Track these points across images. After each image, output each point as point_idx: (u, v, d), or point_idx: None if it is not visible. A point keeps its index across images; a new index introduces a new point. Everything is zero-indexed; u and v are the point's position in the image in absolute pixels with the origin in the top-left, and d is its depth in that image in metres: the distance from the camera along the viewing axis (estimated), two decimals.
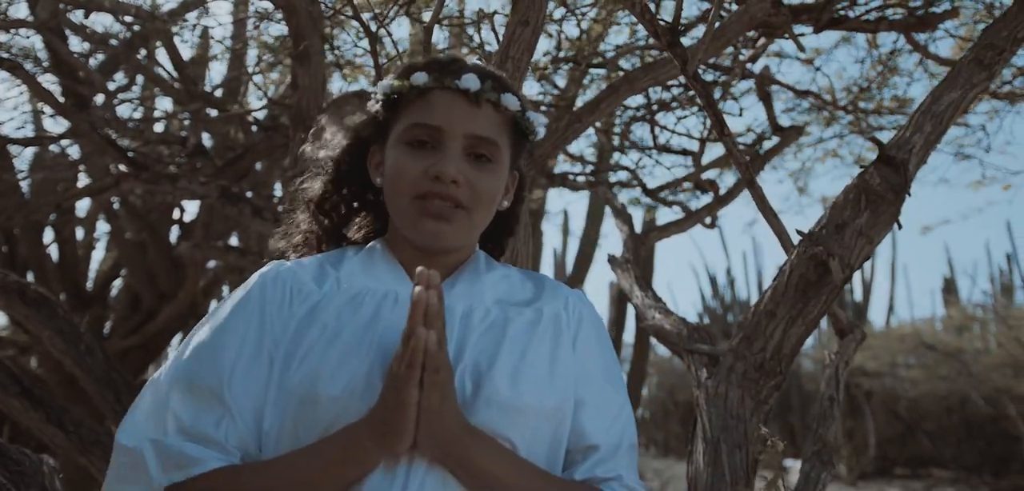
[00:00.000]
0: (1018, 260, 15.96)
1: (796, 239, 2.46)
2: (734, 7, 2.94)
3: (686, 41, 2.80)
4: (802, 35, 3.25)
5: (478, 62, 1.40)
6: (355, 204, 1.48)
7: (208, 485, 1.14)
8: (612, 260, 3.73)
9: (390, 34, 2.78)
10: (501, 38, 2.38)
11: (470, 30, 3.55)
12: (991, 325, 13.52)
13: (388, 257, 1.36)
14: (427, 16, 3.64)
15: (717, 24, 2.52)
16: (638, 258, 3.88)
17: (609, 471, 1.27)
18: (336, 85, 4.90)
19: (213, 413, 1.18)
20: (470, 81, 1.30)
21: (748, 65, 3.94)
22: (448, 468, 1.16)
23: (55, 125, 7.51)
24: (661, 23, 2.18)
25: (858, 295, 17.11)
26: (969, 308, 14.80)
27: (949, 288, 17.04)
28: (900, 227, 2.48)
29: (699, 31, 3.57)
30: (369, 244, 1.41)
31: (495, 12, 3.07)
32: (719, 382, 2.51)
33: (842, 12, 3.24)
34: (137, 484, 1.15)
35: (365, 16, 2.74)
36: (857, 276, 17.09)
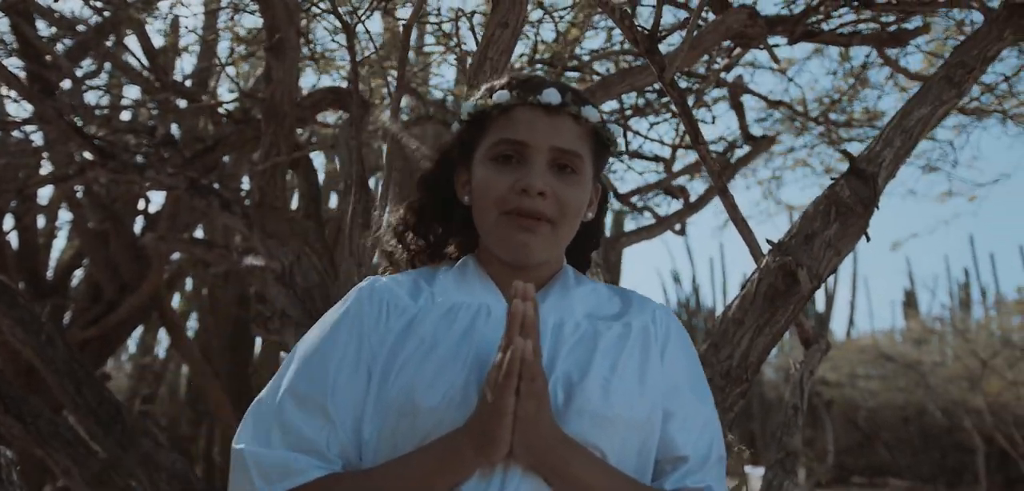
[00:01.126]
0: (977, 275, 16.28)
1: (766, 248, 2.48)
2: (711, 17, 2.96)
3: (662, 48, 2.82)
4: (776, 46, 3.28)
5: (557, 79, 1.43)
6: (444, 224, 1.51)
7: None
8: None
9: (367, 29, 2.76)
10: (480, 39, 2.38)
11: (447, 28, 3.54)
12: (949, 338, 13.77)
13: (480, 272, 1.40)
14: (402, 12, 3.63)
15: (695, 33, 2.53)
16: (608, 263, 3.89)
17: (698, 482, 1.30)
18: (309, 79, 4.87)
19: (316, 423, 1.24)
20: (551, 95, 1.33)
21: (722, 74, 3.97)
22: (542, 476, 1.19)
23: (19, 110, 7.37)
24: (640, 30, 2.19)
25: (820, 306, 17.33)
26: (928, 321, 15.07)
27: (909, 301, 17.35)
28: (868, 240, 2.51)
29: (675, 39, 3.59)
30: (460, 260, 1.44)
31: (474, 12, 3.06)
32: None
33: (816, 25, 3.28)
34: None
35: (342, 10, 2.72)
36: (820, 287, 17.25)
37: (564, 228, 1.35)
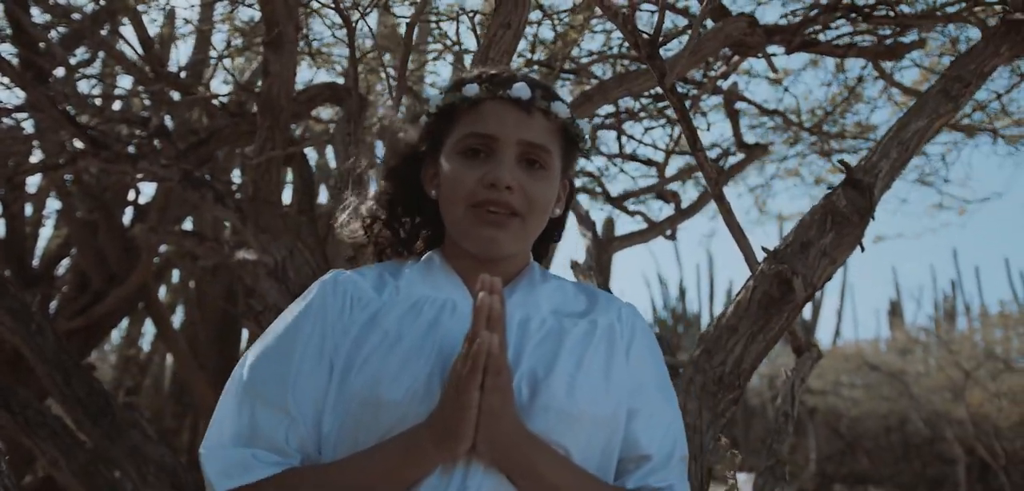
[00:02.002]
0: (962, 286, 16.40)
1: (761, 256, 2.49)
2: (711, 24, 2.97)
3: (661, 54, 2.82)
4: (774, 55, 3.30)
5: (527, 73, 1.42)
6: (412, 218, 1.50)
7: (268, 489, 1.20)
8: (575, 266, 3.74)
9: (368, 25, 2.75)
10: (481, 39, 2.38)
11: (446, 27, 3.54)
12: (933, 349, 13.86)
13: (446, 267, 1.39)
14: (400, 9, 3.62)
15: (696, 39, 2.54)
16: (600, 265, 3.90)
17: (661, 481, 1.30)
18: (306, 74, 4.85)
19: (274, 418, 1.23)
20: (521, 90, 1.33)
21: (719, 81, 3.98)
22: (505, 472, 1.18)
23: (11, 96, 7.31)
24: (642, 35, 2.20)
25: (807, 314, 17.43)
26: (913, 331, 15.16)
27: (895, 311, 17.45)
28: (862, 250, 2.53)
29: (675, 45, 3.61)
30: (426, 254, 1.43)
31: (476, 12, 3.06)
32: (678, 393, 2.53)
33: (814, 36, 3.29)
34: None
35: (343, 5, 2.71)
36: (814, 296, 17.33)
37: (532, 223, 1.35)
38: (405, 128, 1.49)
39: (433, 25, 3.56)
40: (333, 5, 2.60)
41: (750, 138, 4.90)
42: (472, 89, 1.35)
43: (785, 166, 5.53)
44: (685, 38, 3.45)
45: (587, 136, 1.46)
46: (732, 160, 4.87)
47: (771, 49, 3.23)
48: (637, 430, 1.31)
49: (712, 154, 4.98)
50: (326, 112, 5.10)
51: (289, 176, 4.03)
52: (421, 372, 1.21)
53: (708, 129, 4.67)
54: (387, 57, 4.13)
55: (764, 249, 2.50)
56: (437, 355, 1.23)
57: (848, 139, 4.67)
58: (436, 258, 1.41)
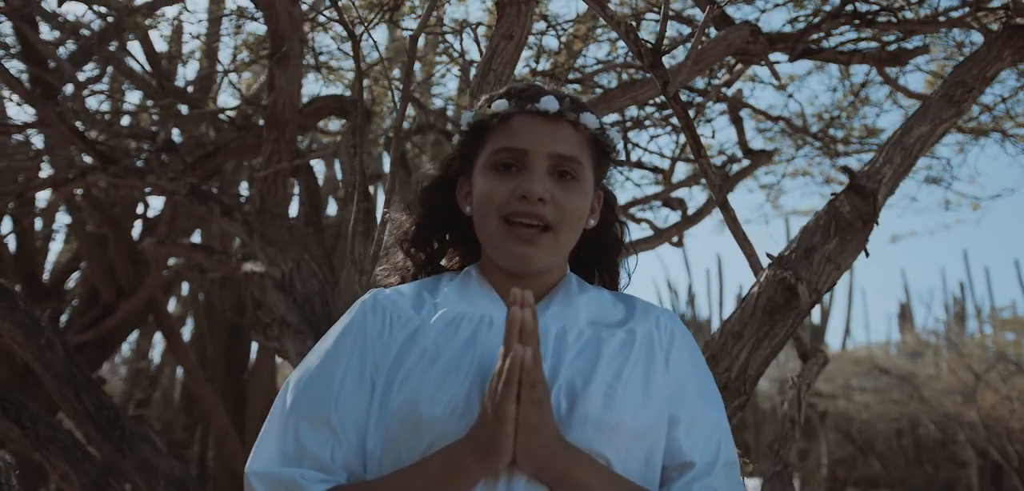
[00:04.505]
0: (972, 289, 16.33)
1: (765, 262, 2.49)
2: (714, 32, 2.98)
3: (666, 62, 2.83)
4: (777, 63, 3.30)
5: (555, 87, 1.44)
6: (447, 236, 1.52)
7: None
8: None
9: (372, 39, 2.77)
10: (484, 50, 2.39)
11: (451, 38, 3.55)
12: (944, 351, 13.80)
13: (483, 282, 1.40)
14: (408, 22, 3.64)
15: (698, 48, 2.55)
16: None
17: (706, 488, 1.28)
18: (309, 88, 4.88)
19: (320, 436, 1.24)
20: (549, 103, 1.34)
21: (722, 88, 3.99)
22: (546, 484, 1.19)
23: (20, 113, 7.36)
24: (645, 44, 2.21)
25: (816, 318, 17.37)
26: (923, 334, 15.10)
27: (904, 314, 17.38)
28: (867, 255, 2.53)
29: (679, 53, 3.61)
30: (464, 270, 1.45)
31: (479, 23, 3.07)
32: None
33: (817, 42, 3.30)
34: None
35: (348, 19, 2.73)
36: (819, 301, 17.30)
37: (565, 234, 1.35)
38: (430, 167, 1.52)
39: (440, 38, 3.57)
40: (338, 19, 2.62)
41: (758, 142, 4.91)
42: (501, 105, 1.36)
43: (794, 166, 5.50)
44: (689, 46, 3.45)
45: (619, 146, 1.46)
46: (738, 166, 4.87)
47: (774, 56, 3.23)
48: (679, 437, 1.31)
49: (718, 160, 4.98)
50: (334, 124, 5.12)
51: (296, 188, 4.05)
52: (460, 388, 1.22)
53: (713, 136, 4.68)
54: (394, 70, 4.15)
55: (768, 255, 2.50)
56: (476, 371, 1.24)
57: (854, 143, 4.67)
58: (473, 274, 1.42)
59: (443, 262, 1.54)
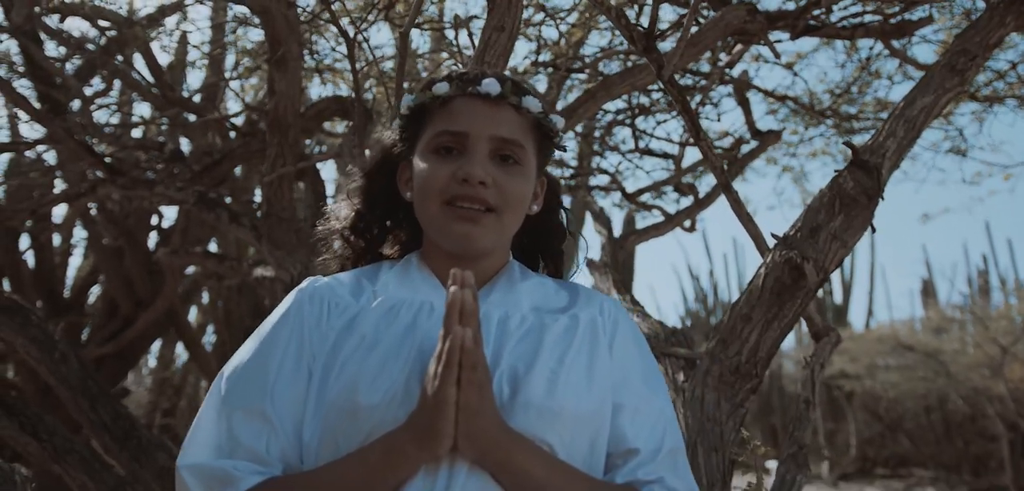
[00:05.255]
0: (995, 261, 16.13)
1: (771, 242, 2.47)
2: (710, 13, 2.95)
3: (667, 46, 2.82)
4: (779, 41, 3.27)
5: (497, 72, 1.42)
6: (388, 221, 1.50)
7: None
8: (590, 264, 3.74)
9: (366, 39, 2.77)
10: (478, 43, 2.38)
11: (449, 34, 3.55)
12: (969, 326, 13.65)
13: (423, 269, 1.38)
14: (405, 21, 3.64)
15: (693, 30, 2.53)
16: (616, 262, 3.89)
17: (650, 474, 1.27)
18: (315, 91, 4.90)
19: (254, 428, 1.21)
20: (490, 85, 1.33)
21: (727, 70, 3.95)
22: (489, 471, 1.16)
23: (31, 131, 7.44)
24: (637, 28, 2.19)
25: (838, 297, 17.25)
26: (947, 309, 14.94)
27: (927, 290, 17.20)
28: (874, 231, 2.50)
29: (678, 36, 3.58)
30: (404, 257, 1.43)
31: (472, 17, 3.06)
32: (695, 385, 2.51)
33: (819, 18, 3.26)
34: None
35: (344, 21, 2.73)
36: (837, 278, 17.26)
37: (508, 218, 1.33)
38: (381, 135, 1.49)
39: (441, 35, 3.57)
40: (332, 20, 2.62)
41: (770, 123, 4.88)
42: (442, 88, 1.34)
43: (811, 146, 5.44)
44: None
45: (561, 131, 1.45)
46: (747, 148, 4.83)
47: (776, 35, 3.19)
48: (623, 424, 1.29)
49: (725, 143, 4.94)
50: (340, 126, 5.14)
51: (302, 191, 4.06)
52: (399, 375, 1.20)
53: (718, 119, 4.64)
54: (393, 68, 4.14)
55: (774, 235, 2.48)
56: (415, 358, 1.22)
57: (868, 118, 4.61)
58: (413, 260, 1.40)
59: (384, 249, 1.52)
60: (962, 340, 13.35)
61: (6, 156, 5.32)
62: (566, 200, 1.59)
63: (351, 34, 2.65)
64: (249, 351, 1.29)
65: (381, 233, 1.50)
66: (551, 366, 1.25)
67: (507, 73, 1.44)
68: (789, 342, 18.24)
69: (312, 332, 1.28)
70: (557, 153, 1.51)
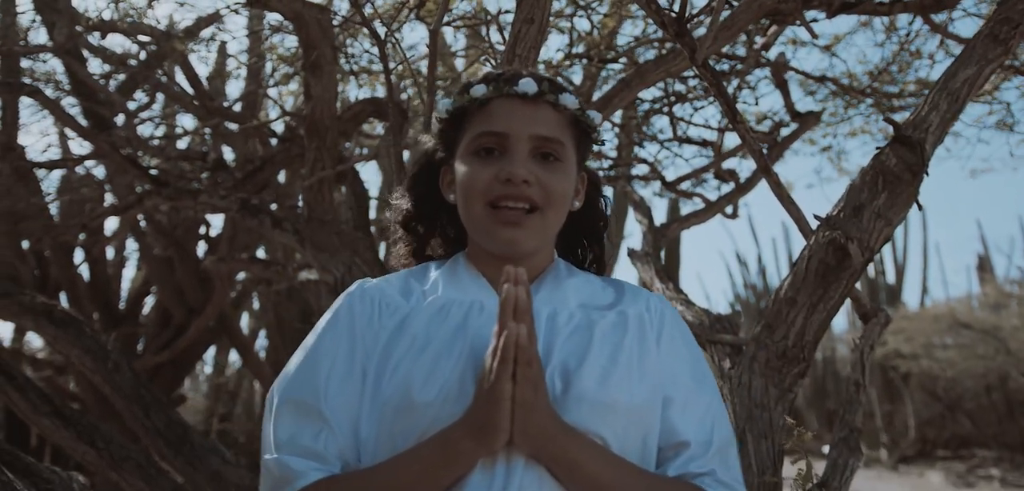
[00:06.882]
0: None
1: (814, 224, 2.43)
2: None
3: (702, 32, 2.76)
4: (815, 21, 3.20)
5: (533, 71, 1.43)
6: (432, 225, 1.52)
7: None
8: (632, 254, 3.72)
9: (398, 41, 2.79)
10: (507, 37, 2.38)
11: (482, 30, 3.55)
12: None
13: (470, 269, 1.40)
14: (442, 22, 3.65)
15: (725, 13, 2.49)
16: (658, 251, 3.86)
17: (702, 467, 1.28)
18: (351, 93, 4.94)
19: (312, 426, 1.24)
20: (528, 85, 1.34)
21: (764, 53, 3.89)
22: (544, 464, 1.18)
23: (80, 147, 7.63)
24: (668, 14, 2.17)
25: (891, 277, 16.89)
26: (1005, 284, 14.55)
27: (983, 266, 16.76)
28: (920, 208, 2.44)
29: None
30: (451, 258, 1.45)
31: (501, 11, 3.06)
32: (742, 372, 2.48)
33: None
34: None
35: (374, 23, 2.75)
36: (889, 258, 16.92)
37: (551, 216, 1.34)
38: (423, 140, 1.51)
39: (469, 30, 3.57)
40: (363, 23, 2.64)
41: (809, 104, 4.79)
42: (480, 90, 1.36)
43: (851, 126, 5.35)
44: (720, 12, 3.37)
45: (599, 126, 1.45)
46: (786, 131, 4.76)
47: (812, 15, 3.13)
48: (673, 418, 1.30)
49: (764, 126, 4.87)
50: (378, 127, 5.17)
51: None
52: (452, 373, 1.22)
53: (756, 103, 4.58)
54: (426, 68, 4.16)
55: (816, 217, 2.44)
56: (468, 355, 1.24)
57: (911, 97, 4.50)
58: (461, 261, 1.42)
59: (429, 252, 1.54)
60: (1021, 316, 12.99)
61: (58, 173, 5.46)
62: (606, 191, 1.59)
63: (382, 36, 2.67)
64: (301, 355, 1.32)
65: (426, 236, 1.52)
66: (602, 361, 1.27)
67: (541, 69, 1.45)
68: (842, 325, 17.95)
69: (364, 331, 1.31)
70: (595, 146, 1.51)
